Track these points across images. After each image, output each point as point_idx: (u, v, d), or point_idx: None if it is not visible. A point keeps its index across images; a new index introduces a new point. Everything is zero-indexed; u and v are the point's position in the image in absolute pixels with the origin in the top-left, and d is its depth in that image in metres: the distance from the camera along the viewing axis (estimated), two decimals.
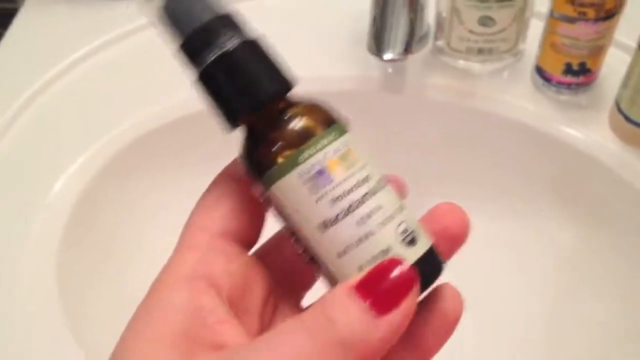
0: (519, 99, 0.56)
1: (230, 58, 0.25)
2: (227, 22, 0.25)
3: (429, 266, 0.25)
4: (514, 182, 0.60)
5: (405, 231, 0.25)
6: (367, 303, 0.22)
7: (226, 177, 0.27)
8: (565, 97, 0.55)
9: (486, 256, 0.59)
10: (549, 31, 0.51)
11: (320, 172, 0.24)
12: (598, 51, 0.51)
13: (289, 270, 0.29)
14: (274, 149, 0.25)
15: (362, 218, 0.24)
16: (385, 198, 0.25)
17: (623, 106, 0.50)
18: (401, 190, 0.27)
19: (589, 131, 0.54)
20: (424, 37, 0.58)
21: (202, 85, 0.25)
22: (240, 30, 0.25)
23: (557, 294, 0.57)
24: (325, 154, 0.24)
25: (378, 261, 0.24)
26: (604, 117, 0.54)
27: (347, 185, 0.24)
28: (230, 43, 0.25)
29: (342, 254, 0.25)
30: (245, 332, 0.24)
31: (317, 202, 0.24)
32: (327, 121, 0.25)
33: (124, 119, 0.56)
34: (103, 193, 0.53)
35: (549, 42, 0.52)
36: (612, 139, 0.53)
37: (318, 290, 0.29)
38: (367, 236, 0.24)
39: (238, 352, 0.23)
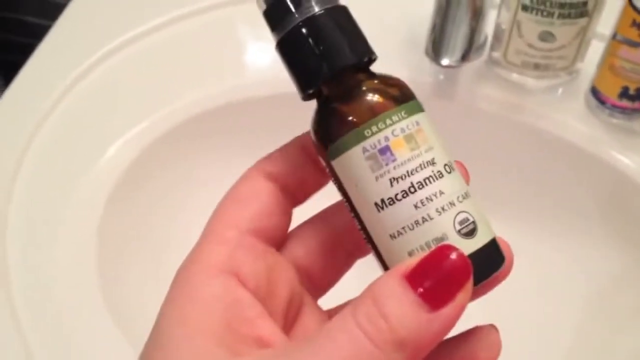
0: (571, 118, 0.56)
1: (310, 24, 0.25)
2: None
3: (486, 260, 0.24)
4: (557, 203, 0.59)
5: (464, 221, 0.24)
6: (420, 295, 0.21)
7: (259, 172, 0.27)
8: (619, 120, 0.54)
9: (522, 277, 0.59)
10: (610, 53, 0.51)
11: (384, 150, 0.24)
12: None
13: (315, 268, 0.28)
14: (342, 120, 0.24)
15: (421, 201, 0.24)
16: (450, 184, 0.24)
17: None
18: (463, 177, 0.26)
19: (638, 157, 0.53)
20: (480, 47, 0.58)
21: (281, 51, 0.26)
22: None
23: (595, 323, 0.56)
24: (393, 131, 0.24)
25: (430, 248, 0.23)
26: None
27: (410, 166, 0.24)
28: (311, 9, 0.25)
29: (394, 235, 0.24)
30: (280, 330, 0.24)
31: (377, 179, 0.24)
32: (401, 98, 0.25)
33: (178, 98, 0.57)
34: (151, 165, 0.54)
35: (608, 64, 0.51)
36: None
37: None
38: (423, 220, 0.23)
39: (288, 353, 0.22)
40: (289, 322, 0.26)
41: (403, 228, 0.24)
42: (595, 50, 0.54)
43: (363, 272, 0.29)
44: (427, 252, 0.22)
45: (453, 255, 0.22)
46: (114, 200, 0.51)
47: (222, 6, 0.64)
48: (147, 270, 0.52)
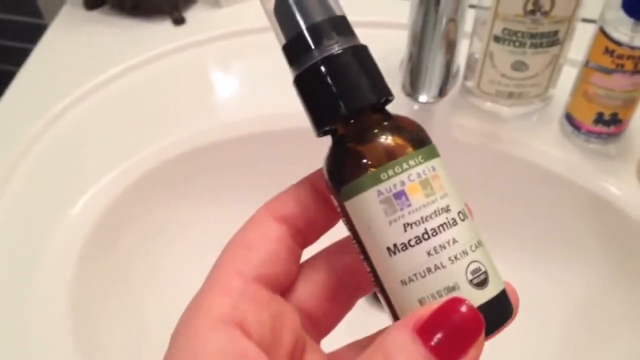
0: (546, 145, 0.56)
1: (329, 63, 0.24)
2: (331, 27, 0.25)
3: (497, 311, 0.24)
4: (535, 228, 0.59)
5: (476, 271, 0.23)
6: (431, 350, 0.21)
7: (267, 214, 0.26)
8: (594, 146, 0.54)
9: None
10: (583, 80, 0.51)
11: (399, 194, 0.23)
12: (631, 103, 0.50)
13: (318, 311, 0.28)
14: (357, 162, 0.24)
15: (434, 248, 0.23)
16: (463, 232, 0.24)
17: None
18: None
19: (616, 181, 0.53)
20: (453, 77, 0.58)
21: (298, 87, 0.25)
22: (342, 35, 0.25)
23: (578, 346, 0.56)
24: (409, 175, 0.23)
25: (441, 297, 0.23)
26: (632, 168, 0.54)
27: (425, 212, 0.23)
28: (331, 48, 0.24)
29: (405, 282, 0.23)
30: None
31: (390, 223, 0.23)
32: (418, 141, 0.24)
33: (150, 142, 0.56)
34: (122, 216, 0.53)
35: (581, 90, 0.51)
36: (639, 191, 0.53)
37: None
38: (435, 268, 0.23)
39: None
40: None
41: (415, 275, 0.23)
42: (568, 75, 0.54)
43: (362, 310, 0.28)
44: (438, 304, 0.22)
45: (464, 309, 0.22)
46: (87, 253, 0.49)
47: (189, 47, 0.63)
48: (122, 322, 0.51)
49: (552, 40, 0.50)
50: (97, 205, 0.52)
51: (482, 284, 0.23)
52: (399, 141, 0.24)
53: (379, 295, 0.25)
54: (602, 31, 0.47)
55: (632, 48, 0.46)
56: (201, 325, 0.23)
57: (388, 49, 0.58)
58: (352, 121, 0.25)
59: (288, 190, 0.27)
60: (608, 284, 0.56)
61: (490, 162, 0.58)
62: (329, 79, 0.24)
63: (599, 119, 0.52)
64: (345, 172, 0.24)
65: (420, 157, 0.24)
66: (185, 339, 0.23)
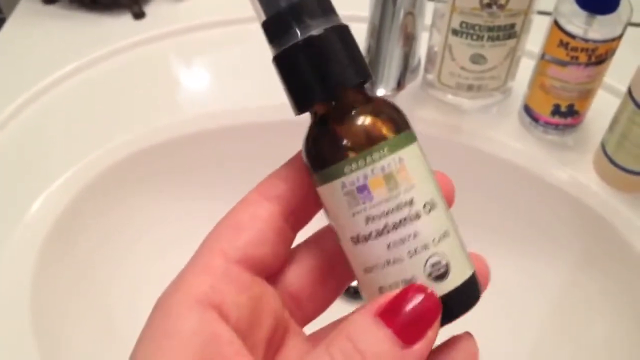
0: (506, 136, 0.56)
1: (310, 44, 0.24)
2: (313, 5, 0.25)
3: (460, 300, 0.24)
4: (496, 219, 0.60)
5: (436, 264, 0.24)
6: (392, 329, 0.22)
7: (259, 195, 0.26)
8: (552, 137, 0.55)
9: None
10: (539, 72, 0.52)
11: (362, 189, 0.24)
12: (587, 94, 0.51)
13: (304, 296, 0.28)
14: (328, 150, 0.24)
15: (393, 243, 0.24)
16: (426, 225, 0.24)
17: (609, 150, 0.51)
18: (446, 190, 0.26)
19: (573, 172, 0.54)
20: (414, 70, 0.58)
21: (277, 65, 0.25)
22: (324, 14, 0.25)
23: (542, 335, 0.57)
24: (373, 169, 0.24)
25: (399, 288, 0.23)
26: (589, 159, 0.54)
27: (385, 207, 0.24)
28: (312, 27, 0.24)
29: (367, 270, 0.24)
30: None
31: (353, 215, 0.24)
32: (391, 129, 0.24)
33: (108, 139, 0.55)
34: (83, 214, 0.52)
35: (538, 83, 0.52)
36: (596, 181, 0.53)
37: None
38: (394, 261, 0.24)
39: None
40: (271, 353, 0.26)
41: (375, 265, 0.24)
42: (526, 67, 0.55)
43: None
44: (398, 290, 0.23)
45: (423, 295, 0.23)
46: (47, 252, 0.49)
47: (149, 42, 0.63)
48: (87, 321, 0.50)
49: (509, 33, 0.50)
50: (57, 203, 0.51)
51: (441, 277, 0.24)
52: (369, 129, 0.24)
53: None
54: (557, 24, 0.48)
55: (586, 40, 0.47)
56: (177, 304, 0.24)
57: None
58: (329, 102, 0.25)
59: (277, 170, 0.27)
60: (573, 271, 0.57)
61: (451, 154, 0.58)
62: (309, 60, 0.24)
63: (556, 111, 0.52)
64: (318, 159, 0.25)
65: (385, 149, 0.24)
66: (160, 316, 0.24)
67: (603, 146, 0.52)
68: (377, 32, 0.49)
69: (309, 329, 0.29)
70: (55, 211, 0.50)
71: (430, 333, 0.22)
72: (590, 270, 0.55)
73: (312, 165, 0.25)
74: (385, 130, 0.24)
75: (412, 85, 0.59)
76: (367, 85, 0.26)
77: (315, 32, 0.24)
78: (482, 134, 0.57)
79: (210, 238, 0.25)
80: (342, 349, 0.22)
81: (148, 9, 0.65)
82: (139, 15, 0.64)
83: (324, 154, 0.24)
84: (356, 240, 0.24)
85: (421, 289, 0.23)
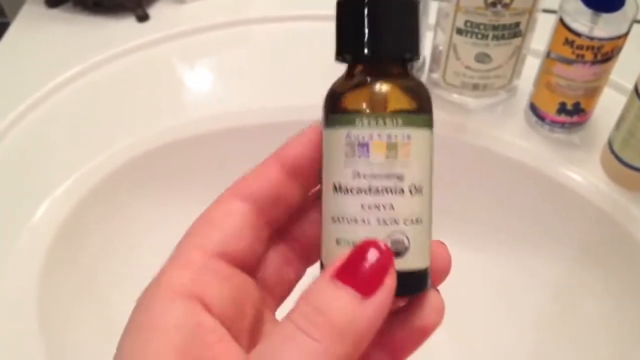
0: (512, 135, 0.56)
1: (376, 3, 0.25)
2: None
3: (407, 283, 0.25)
4: (502, 217, 0.60)
5: (397, 241, 0.24)
6: (351, 287, 0.22)
7: (232, 194, 0.27)
8: (558, 135, 0.55)
9: (472, 291, 0.59)
10: (545, 71, 0.51)
11: (363, 145, 0.24)
12: (593, 92, 0.51)
13: (272, 283, 0.28)
14: (349, 100, 0.25)
15: (369, 205, 0.24)
16: (405, 203, 0.25)
17: (616, 148, 0.51)
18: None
19: (580, 170, 0.54)
20: (419, 70, 0.58)
21: (339, 11, 0.26)
22: None
23: (546, 333, 0.57)
24: (380, 133, 0.24)
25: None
26: (596, 157, 0.54)
27: (376, 170, 0.24)
28: None
29: (334, 220, 0.25)
30: (245, 354, 0.24)
31: (344, 165, 0.25)
32: (412, 107, 0.25)
33: (113, 142, 0.55)
34: (88, 218, 0.52)
35: (544, 81, 0.52)
36: (603, 179, 0.53)
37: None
38: (361, 222, 0.24)
39: None
40: (254, 340, 0.26)
41: (343, 217, 0.25)
42: (531, 66, 0.54)
43: None
44: (350, 249, 0.23)
45: (375, 247, 0.23)
46: (52, 258, 0.48)
47: (153, 44, 0.63)
48: (91, 326, 0.50)
49: (514, 31, 0.50)
50: (62, 207, 0.51)
51: (397, 254, 0.24)
52: (393, 97, 0.25)
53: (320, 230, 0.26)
54: (562, 22, 0.47)
55: (591, 39, 0.46)
56: (159, 299, 0.24)
57: None
58: (371, 63, 0.26)
59: (253, 169, 0.27)
60: (576, 270, 0.57)
61: (457, 154, 0.58)
62: (369, 17, 0.25)
63: (562, 109, 0.52)
64: (339, 101, 0.25)
65: (400, 120, 0.24)
66: (142, 312, 0.24)
67: (610, 144, 0.52)
68: None
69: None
70: (60, 216, 0.50)
71: (387, 280, 0.23)
72: (596, 268, 0.55)
73: (330, 106, 0.26)
74: (407, 105, 0.25)
75: None
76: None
77: None
78: (488, 133, 0.57)
79: (186, 236, 0.26)
80: (303, 312, 0.22)
81: (152, 12, 0.65)
82: (142, 18, 0.64)
83: (346, 100, 0.25)
84: (337, 188, 0.25)
85: (371, 243, 0.23)
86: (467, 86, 0.55)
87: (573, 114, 0.52)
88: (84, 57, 0.61)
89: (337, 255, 0.24)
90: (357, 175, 0.24)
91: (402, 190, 0.24)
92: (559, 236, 0.57)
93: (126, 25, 0.64)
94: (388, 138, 0.24)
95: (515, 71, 0.54)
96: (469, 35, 0.50)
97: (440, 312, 0.26)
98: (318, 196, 0.27)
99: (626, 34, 0.47)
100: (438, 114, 0.61)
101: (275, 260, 0.28)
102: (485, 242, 0.60)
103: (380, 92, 0.25)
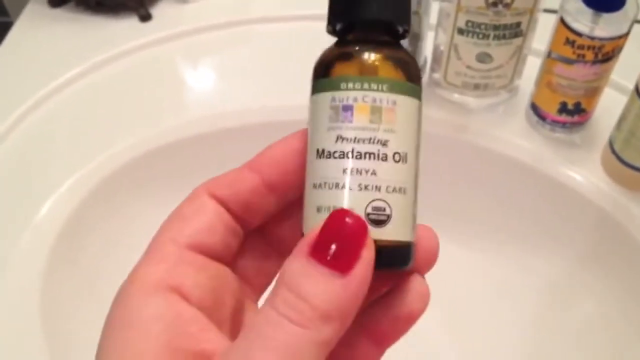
0: (513, 135, 0.56)
1: None
2: None
3: (388, 256, 0.24)
4: (502, 217, 0.60)
5: (378, 209, 0.24)
6: (328, 264, 0.22)
7: (205, 192, 0.26)
8: (559, 135, 0.55)
9: (472, 290, 0.59)
10: (546, 71, 0.51)
11: (346, 108, 0.24)
12: (594, 92, 0.51)
13: (251, 276, 0.28)
14: (334, 64, 0.25)
15: (350, 170, 0.24)
16: (388, 170, 0.24)
17: (617, 148, 0.51)
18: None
19: (581, 170, 0.54)
20: (420, 69, 0.58)
21: None
22: None
23: (547, 334, 0.57)
24: (364, 96, 0.24)
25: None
26: (597, 157, 0.54)
27: (360, 134, 0.24)
28: None
29: (316, 185, 0.24)
30: (228, 340, 0.24)
31: (328, 130, 0.24)
32: (400, 74, 0.25)
33: (116, 142, 0.55)
34: (90, 218, 0.53)
35: (545, 81, 0.52)
36: (604, 179, 0.53)
37: None
38: (342, 187, 0.24)
39: (227, 357, 0.22)
40: (235, 329, 0.26)
41: (325, 183, 0.24)
42: (532, 66, 0.54)
43: None
44: (322, 223, 0.23)
45: (347, 219, 0.22)
46: (54, 258, 0.49)
47: (156, 44, 0.63)
48: (95, 325, 0.50)
49: (515, 31, 0.50)
50: (64, 207, 0.51)
51: (378, 222, 0.23)
52: (381, 64, 0.25)
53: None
54: (563, 22, 0.48)
55: (592, 38, 0.46)
56: (136, 293, 0.24)
57: None
58: (360, 30, 0.26)
59: (226, 173, 0.27)
60: (576, 269, 0.57)
61: (458, 153, 0.58)
62: None
63: (563, 109, 0.52)
64: (323, 68, 0.25)
65: (385, 85, 0.24)
66: (121, 307, 0.24)
67: (611, 144, 0.52)
68: None
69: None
70: (62, 215, 0.50)
71: (364, 253, 0.22)
72: (597, 268, 0.55)
73: (317, 73, 0.25)
74: (395, 72, 0.25)
75: None
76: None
77: None
78: (489, 133, 0.57)
79: (159, 231, 0.26)
80: (285, 299, 0.22)
81: (154, 11, 0.66)
82: (145, 17, 0.65)
83: (333, 65, 0.25)
84: (320, 154, 0.24)
85: (342, 212, 0.23)
86: (469, 86, 0.55)
87: (574, 113, 0.53)
88: (87, 57, 0.61)
89: (314, 225, 0.23)
90: (340, 139, 0.24)
91: (386, 156, 0.24)
92: (559, 236, 0.57)
93: (128, 25, 0.65)
94: (373, 101, 0.24)
95: (516, 71, 0.55)
96: (470, 35, 0.51)
97: (425, 297, 0.26)
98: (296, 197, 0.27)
99: (627, 34, 0.47)
100: (439, 113, 0.62)
101: (253, 254, 0.28)
102: (486, 241, 0.60)
103: (367, 59, 0.25)
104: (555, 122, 0.54)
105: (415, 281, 0.26)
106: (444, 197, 0.61)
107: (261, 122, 0.58)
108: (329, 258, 0.22)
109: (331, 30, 0.26)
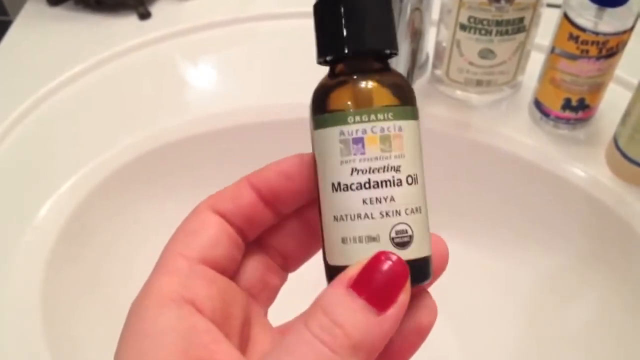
0: (516, 131, 0.56)
1: (351, 1, 0.25)
2: None
3: (414, 274, 0.25)
4: (506, 214, 0.59)
5: (401, 232, 0.25)
6: (366, 300, 0.23)
7: (208, 207, 0.27)
8: (563, 131, 0.54)
9: (476, 287, 0.59)
10: (549, 66, 0.51)
11: (357, 140, 0.25)
12: (598, 88, 0.50)
13: (257, 286, 0.29)
14: (336, 98, 0.25)
15: (370, 199, 0.25)
16: (404, 194, 0.25)
17: (621, 144, 0.50)
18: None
19: (585, 166, 0.54)
20: (422, 66, 0.58)
21: (316, 12, 0.26)
22: None
23: (552, 331, 0.57)
24: (372, 127, 0.25)
25: (361, 243, 0.25)
26: (601, 153, 0.54)
27: (374, 164, 0.25)
28: None
29: (337, 218, 0.25)
30: (239, 353, 0.24)
31: (341, 163, 0.25)
32: (398, 99, 0.25)
33: (116, 141, 0.55)
34: (91, 217, 0.52)
35: (548, 77, 0.51)
36: (608, 175, 0.53)
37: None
38: (365, 216, 0.25)
39: None
40: (244, 341, 0.27)
41: (346, 215, 0.25)
42: (536, 61, 0.54)
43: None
44: (366, 260, 0.24)
45: (391, 261, 0.24)
46: (56, 257, 0.48)
47: (155, 42, 0.63)
48: (98, 325, 0.50)
49: (518, 27, 0.50)
50: (65, 206, 0.51)
51: (403, 245, 0.25)
52: (380, 92, 0.25)
53: (321, 232, 0.27)
54: (566, 17, 0.47)
55: (596, 34, 0.46)
56: (151, 305, 0.24)
57: None
58: (352, 60, 0.26)
59: (227, 188, 0.28)
60: (580, 265, 0.56)
61: (461, 150, 0.58)
62: (345, 15, 0.25)
63: (567, 105, 0.52)
64: (323, 104, 0.26)
65: (391, 113, 0.25)
66: (136, 319, 0.24)
67: (615, 140, 0.51)
68: None
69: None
70: (63, 215, 0.50)
71: (402, 297, 0.23)
72: (600, 264, 0.54)
73: (318, 107, 0.26)
74: (395, 98, 0.25)
75: (421, 81, 0.58)
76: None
77: None
78: (492, 130, 0.56)
79: (167, 246, 0.27)
80: (321, 323, 0.23)
81: (153, 10, 0.65)
82: (144, 15, 0.64)
83: (334, 98, 0.26)
84: (337, 187, 0.25)
85: (388, 255, 0.24)
86: (471, 82, 0.55)
87: (578, 109, 0.52)
88: (86, 55, 0.61)
89: (347, 257, 0.25)
90: (355, 171, 0.25)
91: (400, 182, 0.25)
92: (563, 232, 0.57)
93: (128, 23, 0.64)
94: (381, 131, 0.25)
95: (519, 67, 0.54)
96: (472, 31, 0.50)
97: (434, 311, 0.27)
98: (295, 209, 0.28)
99: (631, 29, 0.47)
100: (441, 110, 0.62)
101: (256, 267, 0.29)
102: (489, 238, 0.60)
103: (366, 88, 0.25)
104: (558, 119, 0.53)
105: (423, 298, 0.27)
106: (446, 194, 0.61)
107: (262, 121, 0.57)
108: (367, 293, 0.23)
109: (322, 61, 0.27)
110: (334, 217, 0.25)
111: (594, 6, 0.46)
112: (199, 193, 0.62)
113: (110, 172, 0.53)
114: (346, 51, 0.26)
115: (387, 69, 0.26)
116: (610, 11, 0.46)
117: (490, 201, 0.60)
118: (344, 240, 0.25)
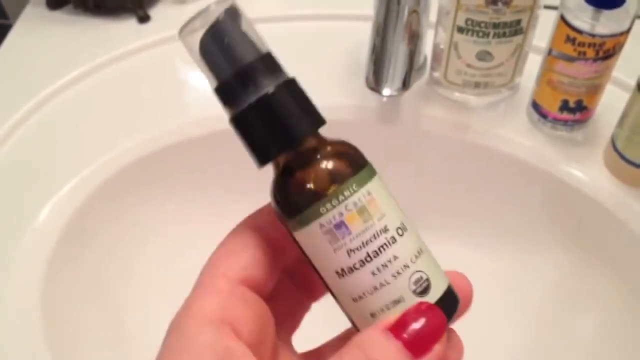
0: (514, 133, 0.56)
1: (264, 103, 0.25)
2: (262, 65, 0.26)
3: (444, 309, 0.26)
4: (504, 216, 0.60)
5: (418, 280, 0.25)
6: (403, 342, 0.23)
7: (249, 226, 0.28)
8: (561, 133, 0.55)
9: (475, 289, 0.59)
10: (547, 68, 0.51)
11: (339, 225, 0.25)
12: (595, 89, 0.51)
13: (285, 313, 0.30)
14: (300, 196, 0.25)
15: (377, 268, 0.25)
16: (403, 247, 0.25)
17: (619, 145, 0.50)
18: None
19: (583, 168, 0.54)
20: (420, 68, 0.58)
21: (235, 126, 0.26)
22: (272, 72, 0.26)
23: (551, 333, 0.57)
24: (346, 206, 0.25)
25: (389, 310, 0.25)
26: (599, 154, 0.54)
27: (364, 237, 0.25)
28: (264, 87, 0.25)
29: (356, 299, 0.26)
30: None
31: (335, 251, 0.25)
32: (353, 167, 0.26)
33: (116, 143, 0.55)
34: (92, 219, 0.52)
35: (546, 79, 0.52)
36: (606, 177, 0.53)
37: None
38: (381, 285, 0.25)
39: None
40: None
41: (364, 293, 0.25)
42: (533, 63, 0.54)
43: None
44: (406, 309, 0.25)
45: (430, 312, 0.25)
46: (57, 259, 0.49)
47: (155, 45, 0.63)
48: (100, 327, 0.50)
49: (515, 29, 0.50)
50: (66, 208, 0.51)
51: (425, 291, 0.25)
52: (336, 170, 0.26)
53: (342, 310, 0.27)
54: (563, 19, 0.47)
55: (593, 36, 0.46)
56: (191, 324, 0.25)
57: (359, 41, 0.58)
58: (292, 152, 0.26)
59: (263, 207, 0.28)
60: (579, 267, 0.56)
61: (459, 152, 0.58)
62: (266, 117, 0.25)
63: (565, 107, 0.52)
64: (292, 205, 0.26)
65: (354, 185, 0.25)
66: (176, 336, 0.25)
67: (613, 141, 0.51)
68: (382, 31, 0.49)
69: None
70: (64, 217, 0.50)
71: (437, 347, 0.24)
72: (599, 266, 0.55)
73: (287, 213, 0.26)
74: (349, 168, 0.26)
75: (419, 84, 0.58)
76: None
77: (266, 90, 0.25)
78: (490, 131, 0.56)
79: (208, 266, 0.27)
80: (355, 358, 0.23)
81: (153, 13, 0.65)
82: (143, 19, 0.64)
83: (297, 200, 0.25)
84: (342, 273, 0.25)
85: (426, 304, 0.25)
86: (469, 84, 0.55)
87: (575, 111, 0.52)
88: (86, 59, 0.61)
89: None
90: (352, 251, 0.25)
91: (394, 238, 0.25)
92: (561, 234, 0.57)
93: (127, 26, 0.65)
94: (355, 205, 0.25)
95: (517, 69, 0.54)
96: (470, 33, 0.50)
97: (461, 350, 0.27)
98: None
99: (628, 31, 0.47)
100: (440, 112, 0.62)
101: (286, 293, 0.30)
102: (487, 240, 0.60)
103: (324, 174, 0.25)
104: (556, 120, 0.54)
105: (452, 337, 0.27)
106: (445, 196, 0.61)
107: None
108: (405, 338, 0.24)
109: (264, 163, 0.26)
110: (353, 299, 0.26)
111: (590, 8, 0.46)
112: (198, 195, 0.62)
113: (110, 175, 0.53)
114: (287, 146, 0.25)
115: (324, 141, 0.26)
116: (607, 13, 0.46)
117: (489, 202, 0.60)
118: (373, 315, 0.25)
